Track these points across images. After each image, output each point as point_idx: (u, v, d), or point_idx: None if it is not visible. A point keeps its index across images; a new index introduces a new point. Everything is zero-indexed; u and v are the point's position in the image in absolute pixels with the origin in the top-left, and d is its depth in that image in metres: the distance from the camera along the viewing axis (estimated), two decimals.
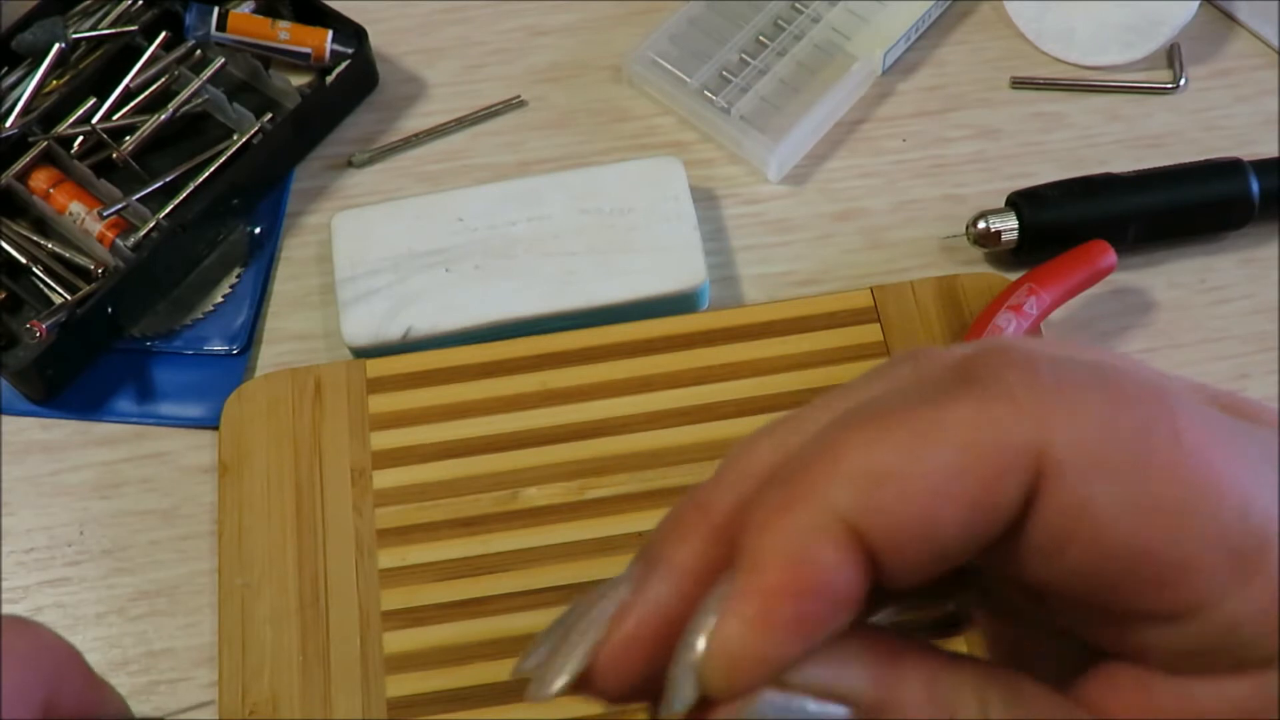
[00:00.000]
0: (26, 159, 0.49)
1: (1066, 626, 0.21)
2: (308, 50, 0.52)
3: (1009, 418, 0.18)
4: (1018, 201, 0.48)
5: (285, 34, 0.52)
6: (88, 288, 0.47)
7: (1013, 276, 0.46)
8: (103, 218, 0.48)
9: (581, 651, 0.19)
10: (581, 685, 0.19)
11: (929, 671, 0.19)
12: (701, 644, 0.18)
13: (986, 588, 0.22)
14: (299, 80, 0.53)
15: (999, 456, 0.18)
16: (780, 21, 0.53)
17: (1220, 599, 0.18)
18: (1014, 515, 0.18)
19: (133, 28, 0.52)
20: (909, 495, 0.18)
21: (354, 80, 0.53)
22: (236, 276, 0.50)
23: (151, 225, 0.48)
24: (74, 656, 0.23)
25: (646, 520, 0.42)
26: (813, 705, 0.19)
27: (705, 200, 0.51)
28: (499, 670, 0.40)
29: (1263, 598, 0.18)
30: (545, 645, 0.20)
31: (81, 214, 0.49)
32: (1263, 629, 0.18)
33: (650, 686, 0.19)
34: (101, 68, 0.51)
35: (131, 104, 0.51)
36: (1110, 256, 0.46)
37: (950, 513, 0.18)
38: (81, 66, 0.52)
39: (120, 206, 0.48)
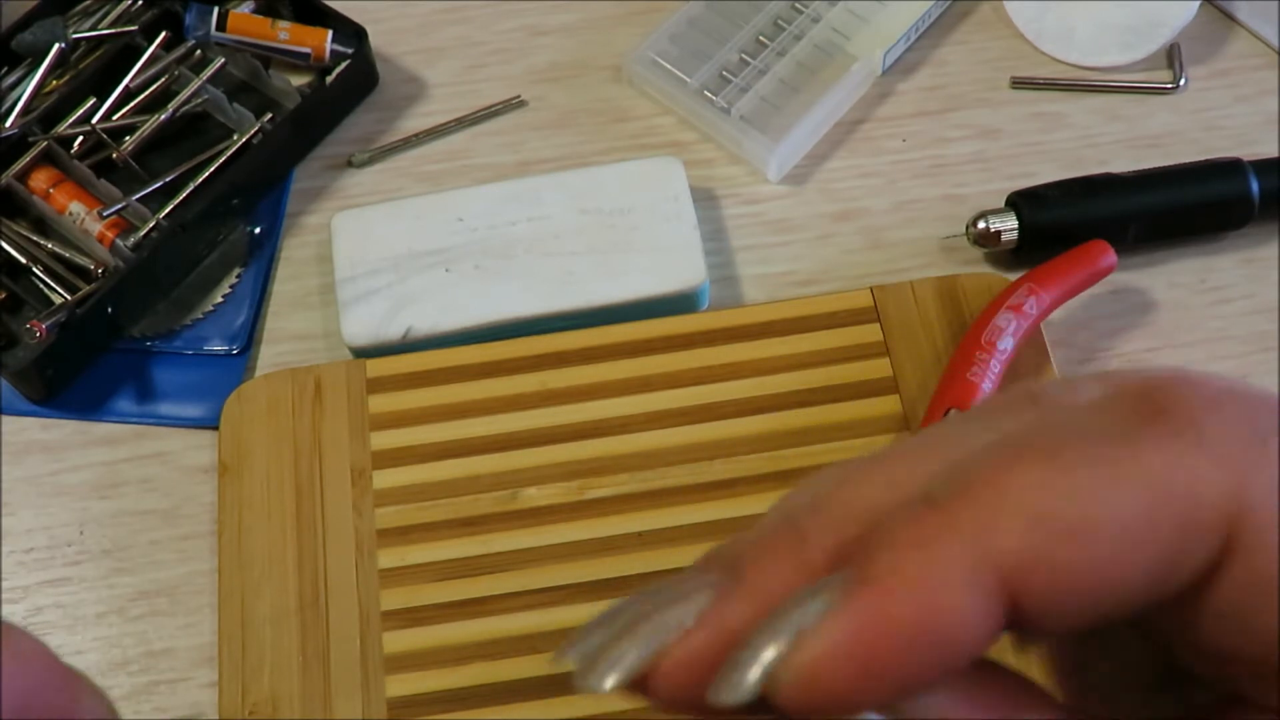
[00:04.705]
0: (26, 159, 0.49)
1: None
2: (308, 50, 0.52)
3: (1206, 465, 0.16)
4: (1018, 201, 0.48)
5: (285, 34, 0.52)
6: (88, 288, 0.47)
7: (1013, 276, 0.46)
8: (103, 218, 0.48)
9: (645, 654, 0.17)
10: (635, 686, 0.18)
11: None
12: (781, 646, 0.16)
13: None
14: (299, 80, 0.53)
15: (1193, 510, 0.16)
16: (780, 21, 0.53)
17: None
18: (1197, 576, 0.16)
19: (133, 28, 0.52)
20: (1086, 547, 0.16)
21: (354, 80, 0.53)
22: (236, 276, 0.50)
23: (151, 225, 0.48)
24: (48, 666, 0.22)
25: (646, 520, 0.42)
26: None
27: (705, 200, 0.51)
28: (499, 670, 0.40)
29: None
30: (599, 636, 0.18)
31: (81, 214, 0.49)
32: None
33: (702, 701, 0.17)
34: (101, 68, 0.51)
35: (131, 104, 0.51)
36: (1110, 256, 0.46)
37: (1128, 570, 0.16)
38: (81, 66, 0.52)
39: (120, 206, 0.48)
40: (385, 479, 0.44)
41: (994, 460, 0.16)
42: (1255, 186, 0.47)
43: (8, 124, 0.50)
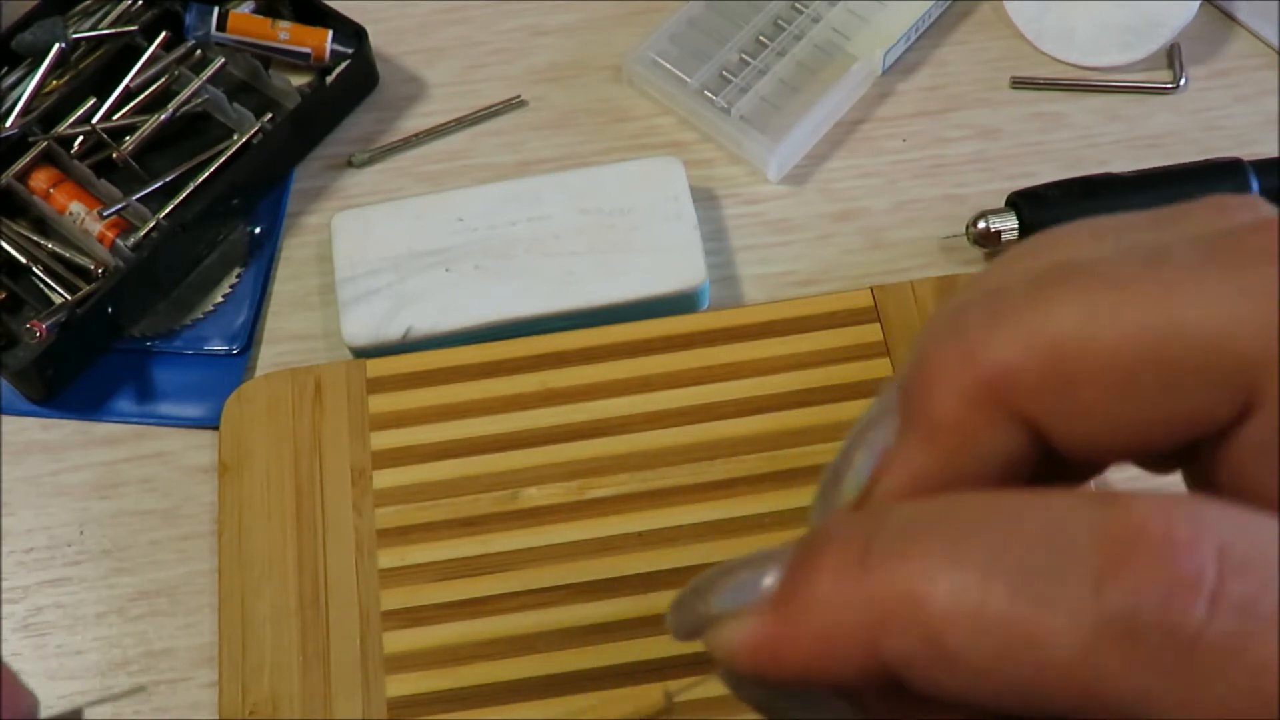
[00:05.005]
0: (26, 159, 0.49)
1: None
2: (308, 50, 0.52)
3: None
4: (1018, 201, 0.48)
5: (285, 34, 0.52)
6: (88, 288, 0.47)
7: None
8: (103, 218, 0.48)
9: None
10: None
11: None
12: (713, 611, 0.19)
13: None
14: (299, 80, 0.53)
15: None
16: (780, 21, 0.53)
17: None
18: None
19: (133, 28, 0.52)
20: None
21: (354, 80, 0.53)
22: (236, 276, 0.50)
23: (151, 225, 0.48)
24: None
25: (646, 520, 0.42)
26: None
27: (705, 200, 0.51)
28: (499, 670, 0.40)
29: None
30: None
31: (81, 214, 0.49)
32: None
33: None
34: (101, 68, 0.51)
35: (131, 104, 0.51)
36: None
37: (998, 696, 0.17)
38: (81, 66, 0.52)
39: (120, 206, 0.48)
40: (385, 479, 0.44)
41: (938, 529, 0.17)
42: (1255, 186, 0.47)
43: (8, 124, 0.50)
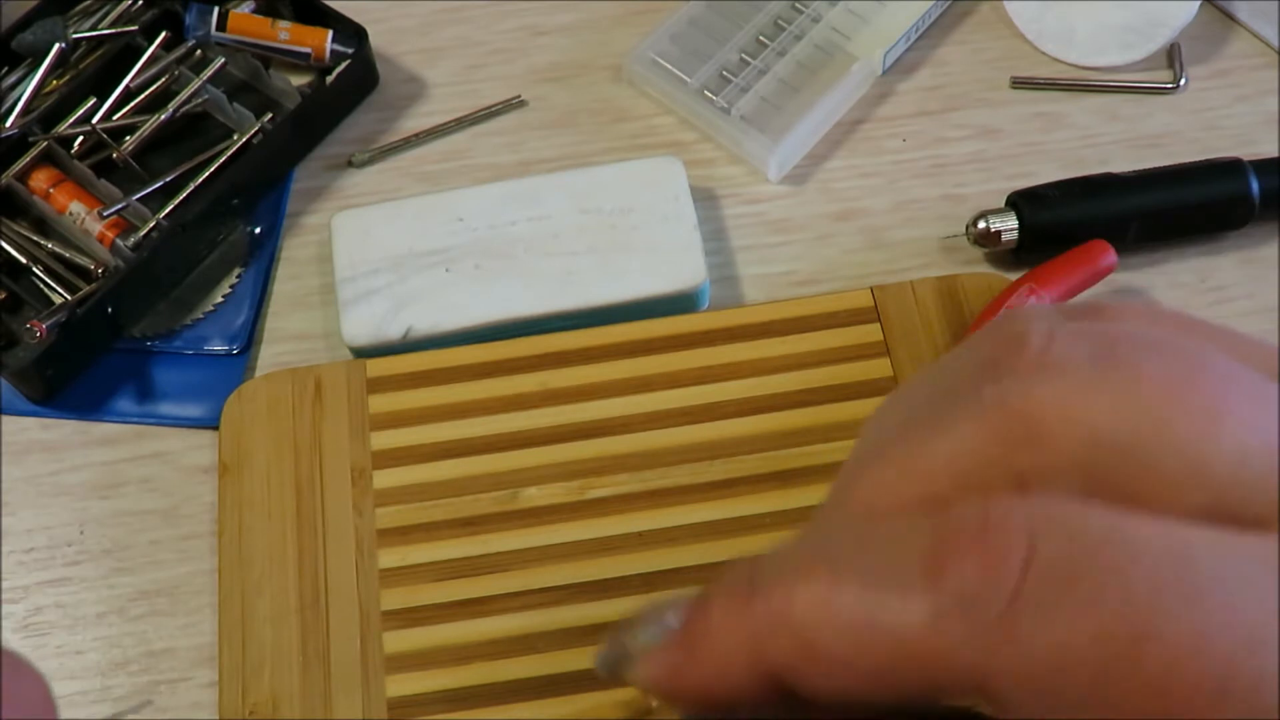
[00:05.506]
0: (26, 159, 0.49)
1: None
2: (308, 50, 0.52)
3: (957, 635, 0.18)
4: (1018, 201, 0.48)
5: (285, 34, 0.52)
6: (88, 288, 0.47)
7: (1013, 276, 0.46)
8: (103, 218, 0.48)
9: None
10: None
11: None
12: (630, 649, 0.23)
13: None
14: (299, 80, 0.53)
15: (939, 670, 0.19)
16: (780, 21, 0.53)
17: None
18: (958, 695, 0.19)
19: (133, 28, 0.52)
20: (838, 677, 0.20)
21: (354, 80, 0.53)
22: (236, 276, 0.50)
23: (151, 225, 0.48)
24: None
25: (646, 520, 0.42)
26: None
27: (705, 200, 0.51)
28: (499, 670, 0.40)
29: None
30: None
31: (81, 214, 0.49)
32: None
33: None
34: (101, 68, 0.51)
35: (131, 104, 0.51)
36: (1110, 256, 0.46)
37: (878, 693, 0.19)
38: (81, 66, 0.52)
39: (120, 206, 0.48)
40: (385, 479, 0.44)
41: (804, 559, 0.20)
42: (1255, 186, 0.47)
43: (8, 124, 0.50)
